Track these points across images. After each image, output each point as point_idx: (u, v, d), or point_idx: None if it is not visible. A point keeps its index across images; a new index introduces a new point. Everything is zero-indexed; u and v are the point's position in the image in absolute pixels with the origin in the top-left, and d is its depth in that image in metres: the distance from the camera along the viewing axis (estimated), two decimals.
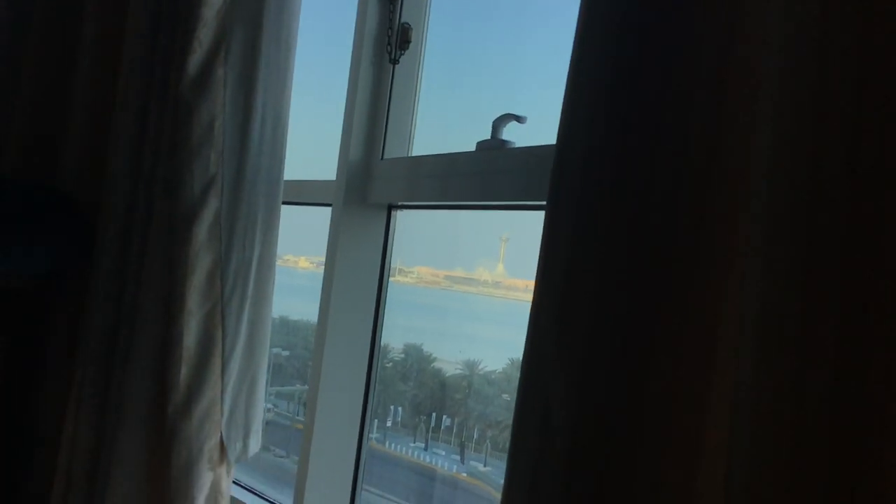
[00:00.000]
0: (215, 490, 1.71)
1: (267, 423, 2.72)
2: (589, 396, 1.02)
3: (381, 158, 1.94)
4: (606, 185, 1.06)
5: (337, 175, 1.97)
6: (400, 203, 1.97)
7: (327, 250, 1.98)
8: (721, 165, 0.99)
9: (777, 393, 0.83)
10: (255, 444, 1.79)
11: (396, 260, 2.08)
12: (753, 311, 0.87)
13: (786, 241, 0.84)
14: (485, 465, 1.99)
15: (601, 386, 1.02)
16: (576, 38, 1.12)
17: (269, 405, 2.74)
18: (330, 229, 1.98)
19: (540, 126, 1.60)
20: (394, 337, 2.19)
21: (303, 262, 2.70)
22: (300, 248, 2.66)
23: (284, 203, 1.84)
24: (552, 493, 1.04)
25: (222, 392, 1.70)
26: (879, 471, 0.76)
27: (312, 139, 2.46)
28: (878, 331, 0.77)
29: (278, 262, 2.88)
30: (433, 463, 2.12)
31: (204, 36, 1.67)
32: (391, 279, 2.07)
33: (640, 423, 0.99)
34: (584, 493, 1.02)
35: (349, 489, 2.01)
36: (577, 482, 1.02)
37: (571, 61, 1.12)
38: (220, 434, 1.70)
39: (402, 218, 2.01)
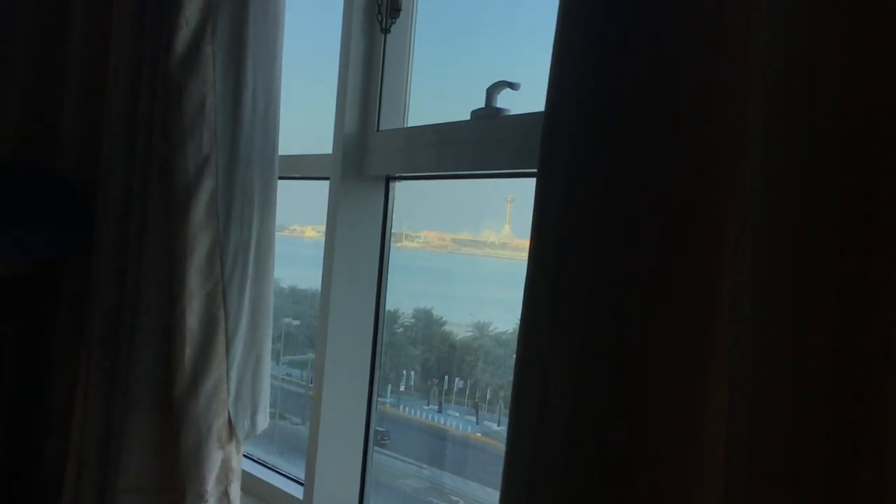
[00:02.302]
0: (226, 467, 1.72)
1: (281, 392, 2.75)
2: (587, 371, 1.02)
3: (377, 130, 1.92)
4: (598, 151, 1.04)
5: (333, 148, 1.95)
6: (398, 175, 1.96)
7: (327, 224, 1.97)
8: (714, 127, 0.97)
9: (777, 358, 0.82)
10: (263, 421, 1.80)
11: (402, 225, 2.08)
12: (751, 270, 0.86)
13: (782, 196, 0.83)
14: (498, 425, 2.00)
15: (599, 359, 1.01)
16: (561, 2, 1.10)
17: (283, 374, 2.77)
18: (328, 203, 1.97)
19: (534, 92, 1.58)
20: (403, 302, 2.19)
21: (309, 232, 2.70)
22: (305, 217, 2.65)
23: (282, 178, 1.83)
24: (553, 468, 1.04)
25: (228, 371, 1.71)
26: (878, 429, 0.75)
27: (307, 113, 2.44)
28: (878, 294, 0.76)
29: (284, 233, 2.90)
30: (448, 424, 2.14)
31: (190, 13, 1.65)
32: (398, 245, 2.07)
33: (640, 396, 0.98)
34: (585, 466, 1.01)
35: (360, 453, 2.03)
36: (577, 457, 1.02)
37: (557, 26, 1.10)
38: (227, 413, 1.71)
39: (404, 184, 2.00)
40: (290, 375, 2.82)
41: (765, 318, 0.84)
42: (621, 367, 1.00)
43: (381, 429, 2.16)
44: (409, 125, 1.96)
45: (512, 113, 1.60)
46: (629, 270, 1.00)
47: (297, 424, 2.67)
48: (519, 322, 1.11)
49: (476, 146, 1.63)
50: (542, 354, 1.05)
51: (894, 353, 0.74)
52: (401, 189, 2.00)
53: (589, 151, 1.05)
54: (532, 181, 1.13)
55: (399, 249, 2.10)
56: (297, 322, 2.88)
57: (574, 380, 1.02)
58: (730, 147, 0.95)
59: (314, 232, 2.65)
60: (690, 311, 0.97)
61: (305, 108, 2.45)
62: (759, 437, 0.84)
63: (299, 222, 2.79)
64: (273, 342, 1.86)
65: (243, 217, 1.72)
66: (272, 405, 2.74)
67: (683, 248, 0.97)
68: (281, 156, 1.81)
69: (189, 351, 1.67)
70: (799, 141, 0.81)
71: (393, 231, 2.04)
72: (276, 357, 2.77)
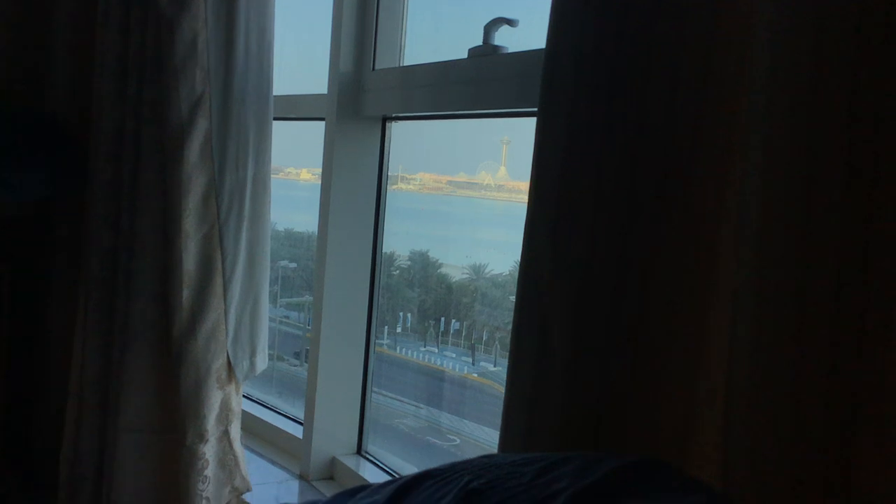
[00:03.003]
0: (226, 408, 1.74)
1: (279, 334, 2.77)
2: (586, 313, 1.02)
3: (373, 70, 1.89)
4: (600, 90, 1.02)
5: (328, 88, 1.92)
6: (394, 115, 1.93)
7: (323, 165, 1.95)
8: (718, 69, 0.95)
9: (779, 290, 0.82)
10: (261, 362, 1.81)
11: (398, 167, 2.06)
12: (755, 209, 0.85)
13: (785, 138, 0.82)
14: (494, 366, 2.01)
15: (599, 301, 1.01)
16: None
17: (280, 316, 2.78)
18: (324, 144, 1.95)
19: (533, 29, 1.55)
20: (399, 244, 2.19)
21: (304, 174, 2.68)
22: (300, 160, 2.63)
23: (277, 119, 1.81)
24: (552, 408, 1.04)
25: (226, 312, 1.71)
26: (879, 351, 0.76)
27: (303, 52, 2.40)
28: (883, 226, 0.75)
29: (280, 176, 2.87)
30: (444, 365, 2.16)
31: None
32: (394, 187, 2.05)
33: (640, 337, 0.98)
34: (585, 406, 1.02)
35: (359, 394, 2.05)
36: (577, 397, 1.02)
37: None
38: (226, 354, 1.72)
39: (400, 125, 1.97)
40: (287, 318, 2.84)
41: (766, 259, 0.83)
42: (621, 308, 1.00)
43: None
44: (406, 64, 1.93)
45: (510, 51, 1.57)
46: (630, 213, 0.99)
47: (295, 366, 2.69)
48: (518, 264, 1.11)
49: (473, 85, 1.60)
50: (542, 297, 1.05)
51: None
52: (396, 130, 1.97)
53: (591, 93, 1.03)
54: (530, 121, 1.11)
55: (395, 192, 2.09)
56: (293, 265, 2.88)
57: (574, 321, 1.02)
58: (735, 85, 0.93)
59: (309, 175, 2.64)
60: (691, 250, 0.96)
61: (302, 47, 2.41)
62: (759, 370, 0.84)
63: (294, 165, 2.77)
64: (270, 285, 1.86)
65: (238, 157, 1.70)
66: (270, 347, 2.77)
67: (685, 188, 0.96)
68: (276, 96, 1.78)
69: (186, 293, 1.67)
70: (806, 88, 0.79)
71: (390, 173, 2.02)
72: (273, 300, 2.78)
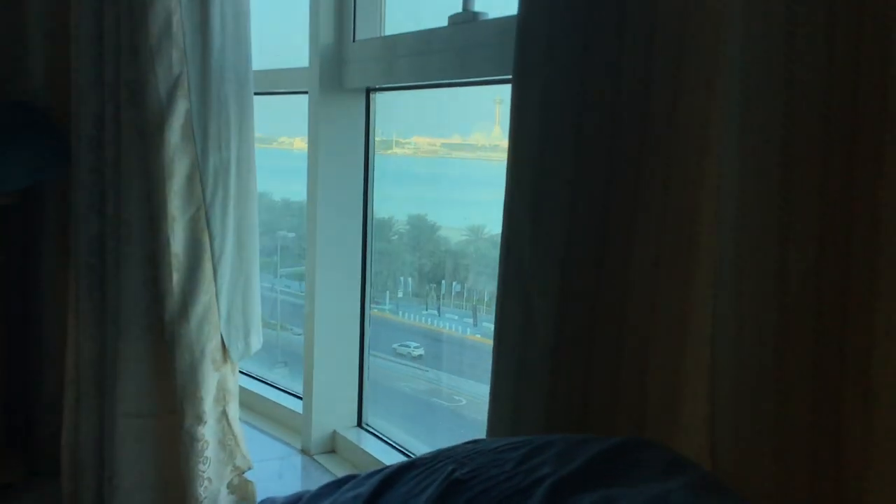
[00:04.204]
0: (222, 388, 1.73)
1: (281, 304, 2.77)
2: (569, 285, 1.00)
3: (353, 41, 1.86)
4: (573, 57, 1.00)
5: (309, 61, 1.89)
6: (378, 87, 1.90)
7: (308, 139, 1.93)
8: (694, 35, 0.92)
9: (760, 269, 0.81)
10: (256, 342, 1.80)
11: (391, 132, 2.04)
12: (735, 184, 0.83)
13: (763, 102, 0.79)
14: None
15: (581, 275, 0.99)
16: None
17: (281, 287, 2.78)
18: (309, 118, 1.92)
19: None
20: (397, 209, 2.18)
21: (298, 143, 2.66)
22: (293, 129, 2.61)
23: (260, 94, 1.78)
24: (538, 381, 1.03)
25: (217, 294, 1.70)
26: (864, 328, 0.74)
27: (286, 27, 2.36)
28: (858, 204, 0.74)
29: (273, 146, 2.85)
30: (446, 327, 2.16)
31: None
32: (388, 152, 2.04)
33: (623, 309, 0.97)
34: (570, 383, 1.01)
35: (357, 366, 2.05)
36: (562, 369, 1.01)
37: None
38: (220, 335, 1.71)
39: (387, 94, 1.95)
40: (288, 287, 2.84)
41: (748, 229, 0.82)
42: (603, 281, 0.99)
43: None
44: (387, 34, 1.89)
45: (490, 17, 1.54)
46: (608, 182, 0.97)
47: (299, 335, 2.70)
48: (500, 238, 1.09)
49: (455, 53, 1.57)
50: (524, 274, 1.04)
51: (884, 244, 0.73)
52: (386, 95, 1.95)
53: (564, 57, 1.00)
54: None
55: (389, 157, 2.07)
56: (292, 234, 2.87)
57: (556, 295, 1.01)
58: (712, 49, 0.91)
59: (303, 143, 2.61)
60: (673, 220, 0.94)
61: (284, 21, 2.37)
62: (742, 347, 0.83)
63: (288, 134, 2.75)
64: (269, 255, 1.85)
65: (221, 137, 1.68)
66: (273, 317, 2.77)
67: (664, 153, 0.94)
68: (258, 71, 1.75)
69: (176, 277, 1.66)
70: (781, 47, 0.77)
71: (382, 138, 2.00)
72: (273, 270, 2.78)
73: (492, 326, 2.03)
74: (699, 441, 0.92)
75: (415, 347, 2.20)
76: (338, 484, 0.88)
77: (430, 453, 0.85)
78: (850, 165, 0.72)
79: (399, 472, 0.82)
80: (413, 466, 0.82)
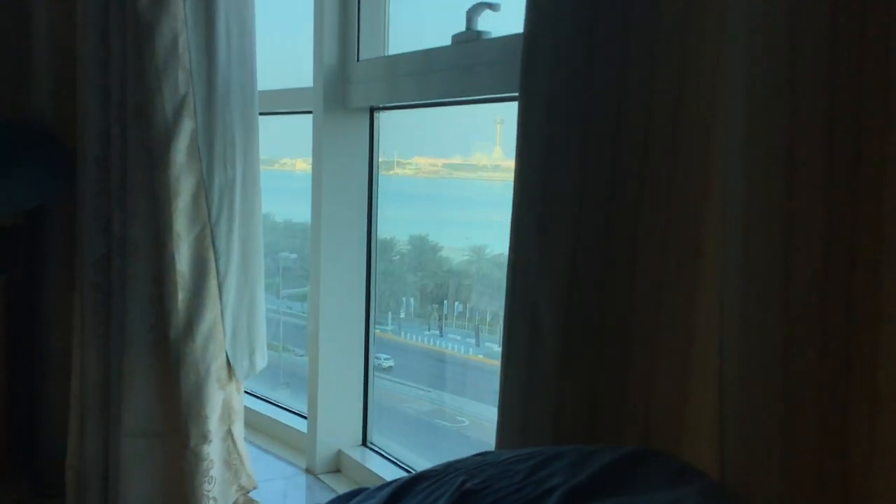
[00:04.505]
0: (227, 407, 1.74)
1: (283, 325, 2.77)
2: (576, 297, 1.01)
3: (357, 60, 1.88)
4: (579, 76, 1.01)
5: (314, 81, 1.91)
6: (381, 105, 1.92)
7: (313, 158, 1.95)
8: (696, 53, 0.94)
9: (765, 279, 0.81)
10: (261, 360, 1.81)
11: (393, 153, 2.05)
12: (739, 192, 0.84)
13: (767, 115, 0.80)
14: (499, 346, 2.01)
15: (587, 290, 1.00)
16: None
17: (283, 308, 2.78)
18: (313, 137, 1.94)
19: (515, 13, 1.53)
20: (399, 230, 2.18)
21: (300, 165, 2.67)
22: (295, 150, 2.62)
23: (264, 114, 1.80)
24: (545, 392, 1.04)
25: (222, 313, 1.70)
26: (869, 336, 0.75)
27: (289, 47, 2.38)
28: (867, 206, 0.74)
29: (275, 167, 2.86)
30: (449, 348, 2.16)
31: None
32: (389, 173, 2.05)
33: (629, 323, 0.97)
34: (577, 395, 1.01)
35: (361, 382, 2.05)
36: (569, 381, 1.02)
37: None
38: (225, 354, 1.72)
39: (390, 113, 1.96)
40: (290, 309, 2.84)
41: (753, 235, 0.82)
42: (609, 296, 0.99)
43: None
44: (390, 53, 1.91)
45: (493, 36, 1.55)
46: (614, 198, 0.98)
47: (301, 356, 2.69)
48: (507, 254, 1.10)
49: (459, 72, 1.59)
50: (531, 286, 1.04)
51: (886, 263, 0.73)
52: (388, 116, 1.96)
53: (570, 78, 1.01)
54: None
55: (391, 177, 2.08)
56: (293, 255, 2.88)
57: (563, 308, 1.02)
58: (714, 67, 0.92)
59: (304, 165, 2.63)
60: (677, 235, 0.95)
61: (287, 41, 2.39)
62: (748, 355, 0.83)
63: (290, 156, 2.76)
64: (271, 277, 1.86)
65: (226, 156, 1.69)
66: (276, 339, 2.77)
67: (668, 171, 0.95)
68: (262, 91, 1.77)
69: (182, 295, 1.66)
70: (785, 60, 0.78)
71: (383, 159, 2.01)
72: (275, 291, 2.78)
73: (494, 347, 2.04)
74: (707, 450, 0.92)
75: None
76: (347, 497, 0.88)
77: (439, 465, 0.85)
78: (855, 173, 0.73)
79: (409, 485, 0.82)
80: (423, 478, 0.82)
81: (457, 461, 0.85)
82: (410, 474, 0.85)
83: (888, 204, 0.71)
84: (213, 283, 1.69)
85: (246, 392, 2.07)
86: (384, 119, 1.97)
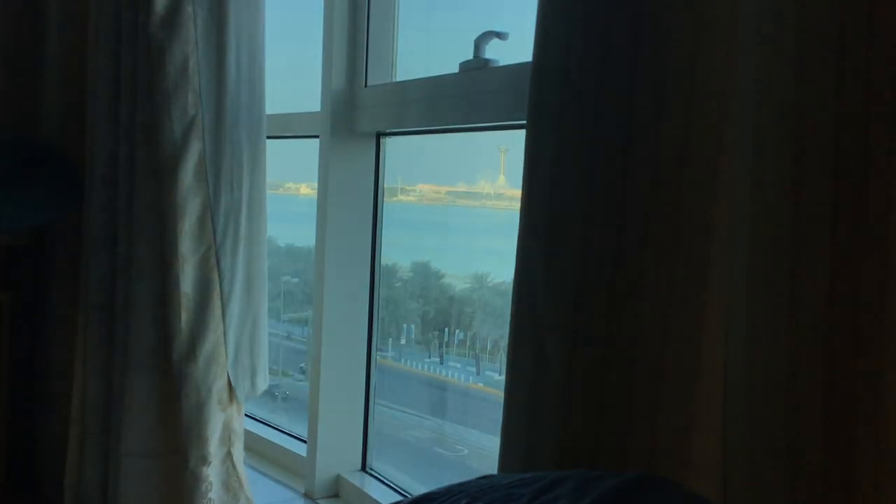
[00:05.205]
0: (228, 429, 1.73)
1: (284, 349, 2.77)
2: (582, 324, 1.01)
3: (365, 86, 1.89)
4: (587, 103, 1.02)
5: (321, 106, 1.92)
6: (388, 131, 1.93)
7: (318, 183, 1.95)
8: (703, 79, 0.95)
9: (770, 310, 0.81)
10: (262, 383, 1.80)
11: (397, 179, 2.06)
12: (746, 218, 0.84)
13: (774, 142, 0.81)
14: (499, 374, 2.01)
15: (592, 316, 1.00)
16: None
17: (284, 332, 2.78)
18: (319, 162, 1.95)
19: (523, 41, 1.55)
20: (401, 256, 2.19)
21: (303, 189, 2.68)
22: (299, 175, 2.64)
23: (271, 137, 1.81)
24: (549, 417, 1.04)
25: (225, 334, 1.71)
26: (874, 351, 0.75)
27: (297, 71, 2.40)
28: (873, 231, 0.75)
29: (279, 191, 2.88)
30: (449, 375, 2.15)
31: None
32: (393, 199, 2.05)
33: (634, 349, 0.98)
34: (583, 419, 1.01)
35: (362, 408, 2.04)
36: (575, 409, 1.01)
37: None
38: (227, 375, 1.72)
39: (396, 139, 1.97)
40: (291, 333, 2.83)
41: (758, 263, 0.83)
42: (615, 324, 0.99)
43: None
44: (398, 80, 1.93)
45: (501, 64, 1.57)
46: (621, 224, 0.99)
47: (300, 381, 2.69)
48: (513, 280, 1.10)
49: (466, 99, 1.60)
50: (537, 313, 1.05)
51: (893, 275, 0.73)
52: (393, 142, 1.97)
53: (578, 106, 1.03)
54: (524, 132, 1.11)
55: (394, 204, 2.09)
56: (295, 280, 2.88)
57: (568, 336, 1.02)
58: (723, 99, 0.93)
59: (308, 189, 2.64)
60: (684, 263, 0.96)
61: (296, 66, 2.42)
62: (755, 381, 0.83)
63: (293, 180, 2.77)
64: (273, 300, 1.86)
65: (233, 178, 1.70)
66: (275, 362, 2.77)
67: (675, 198, 0.96)
68: (270, 115, 1.78)
69: (185, 316, 1.66)
70: (793, 87, 0.79)
71: (387, 186, 2.02)
72: (276, 315, 2.78)
73: (494, 375, 2.04)
74: (710, 478, 0.92)
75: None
76: None
77: (442, 487, 0.84)
78: (861, 197, 0.74)
79: None
80: (427, 500, 0.82)
81: (460, 483, 0.85)
82: (414, 497, 0.85)
83: (895, 226, 0.72)
84: (216, 304, 1.69)
85: (245, 415, 2.06)
86: (389, 146, 1.98)
